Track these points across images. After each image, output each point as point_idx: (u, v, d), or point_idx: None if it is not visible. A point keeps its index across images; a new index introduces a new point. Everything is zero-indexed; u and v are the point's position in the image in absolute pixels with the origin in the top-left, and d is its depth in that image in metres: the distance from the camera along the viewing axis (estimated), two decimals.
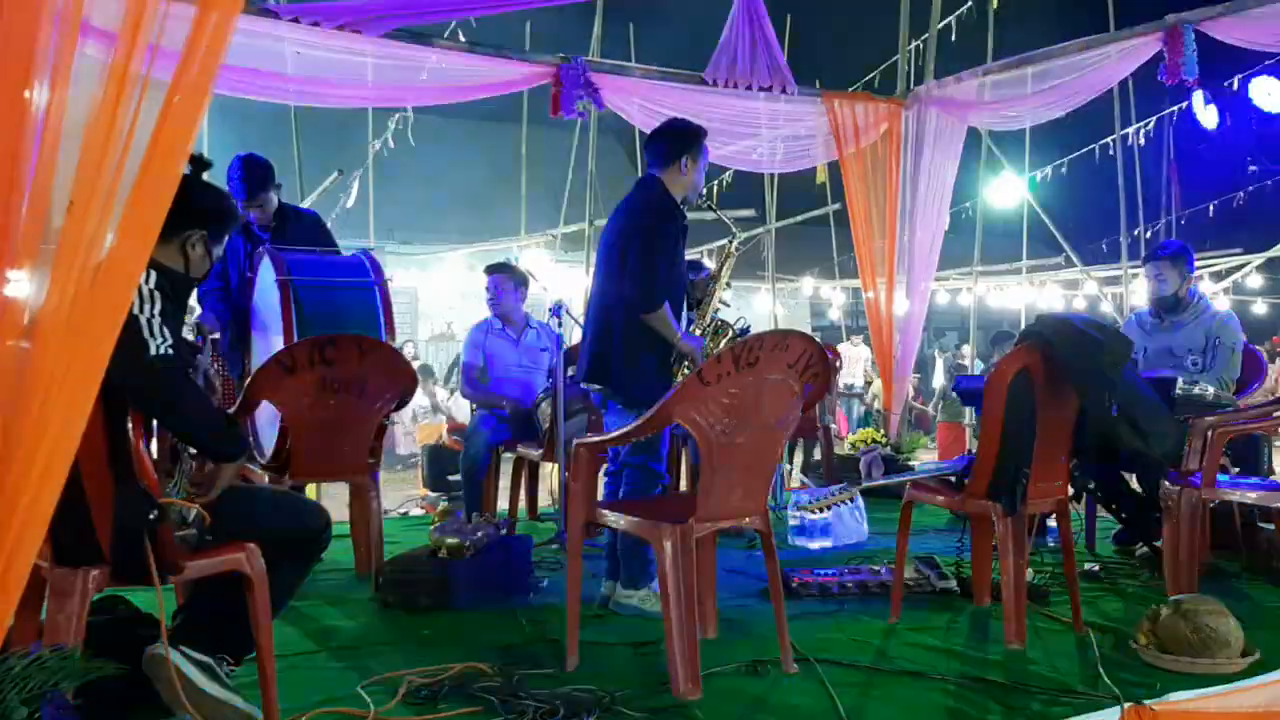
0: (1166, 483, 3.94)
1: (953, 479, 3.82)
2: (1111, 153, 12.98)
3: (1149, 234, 15.42)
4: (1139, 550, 4.89)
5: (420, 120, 10.12)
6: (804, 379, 3.25)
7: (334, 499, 5.13)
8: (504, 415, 5.69)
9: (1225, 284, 14.11)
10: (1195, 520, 3.77)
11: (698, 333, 4.25)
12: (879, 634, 3.76)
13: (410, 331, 16.24)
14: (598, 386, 4.11)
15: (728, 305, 4.50)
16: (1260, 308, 16.37)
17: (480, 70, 6.33)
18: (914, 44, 8.12)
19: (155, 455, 2.66)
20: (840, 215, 13.83)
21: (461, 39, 6.69)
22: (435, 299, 16.81)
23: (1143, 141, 13.15)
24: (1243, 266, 14.13)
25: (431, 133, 14.81)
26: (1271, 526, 4.29)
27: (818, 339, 3.50)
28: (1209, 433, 3.76)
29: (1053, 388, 3.58)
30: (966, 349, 14.74)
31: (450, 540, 4.21)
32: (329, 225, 5.29)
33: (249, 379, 4.33)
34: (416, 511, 7.18)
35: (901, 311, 7.58)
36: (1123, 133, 12.17)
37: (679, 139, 4.15)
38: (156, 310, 2.45)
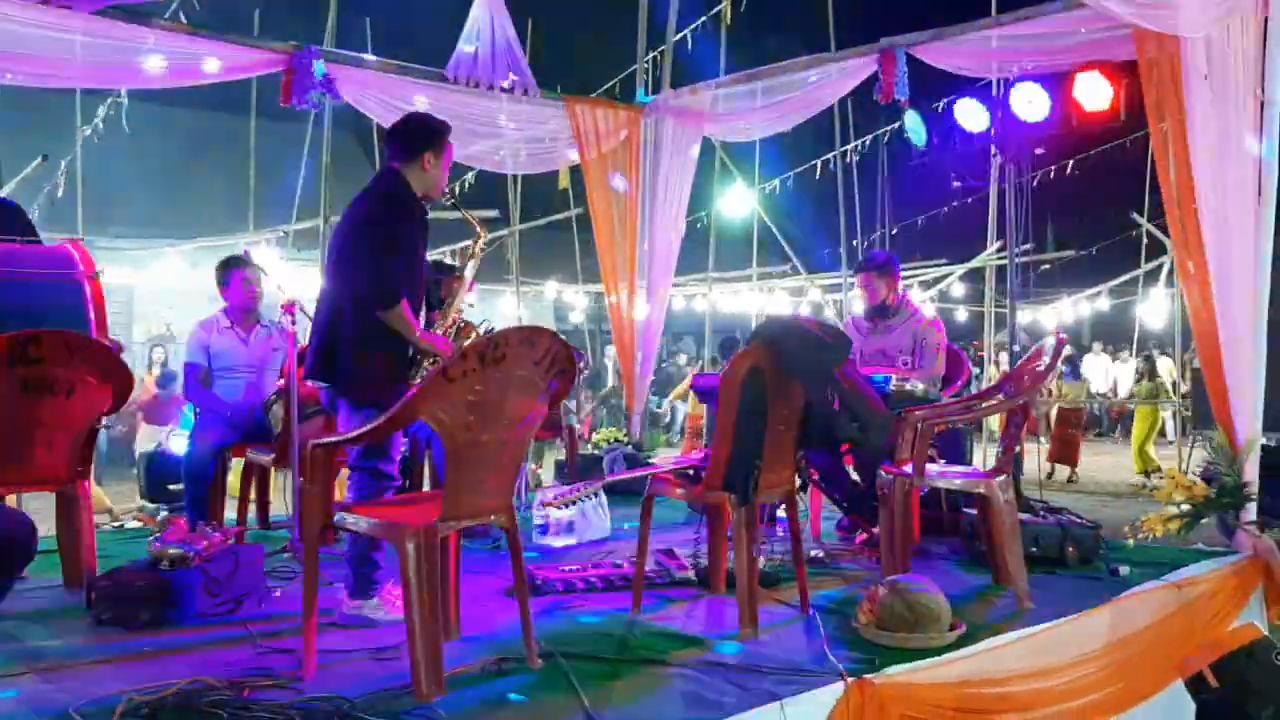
0: (882, 472, 4.23)
1: (691, 473, 3.95)
2: (832, 168, 13.92)
3: (865, 244, 16.59)
4: (859, 536, 5.23)
5: (139, 108, 9.48)
6: (549, 377, 3.27)
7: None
8: (229, 418, 5.39)
9: (932, 292, 15.35)
10: (907, 506, 4.07)
11: (439, 332, 4.18)
12: (621, 626, 3.83)
13: (125, 334, 15.11)
14: (324, 385, 3.97)
15: (472, 307, 4.46)
16: (962, 314, 17.92)
17: (204, 54, 5.98)
18: (651, 55, 8.37)
19: None
20: (583, 220, 14.07)
21: (183, 20, 6.30)
22: (153, 298, 15.73)
23: (859, 158, 14.19)
24: (947, 276, 15.40)
25: (150, 122, 13.91)
26: (974, 511, 4.69)
27: None
28: (919, 425, 4.07)
29: (781, 384, 3.76)
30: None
31: (172, 551, 3.94)
32: (32, 217, 4.84)
33: None
34: (134, 524, 6.68)
35: (642, 315, 7.77)
36: (842, 149, 13.05)
37: (421, 133, 4.06)
38: None
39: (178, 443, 7.32)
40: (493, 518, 3.31)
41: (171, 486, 6.88)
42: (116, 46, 5.66)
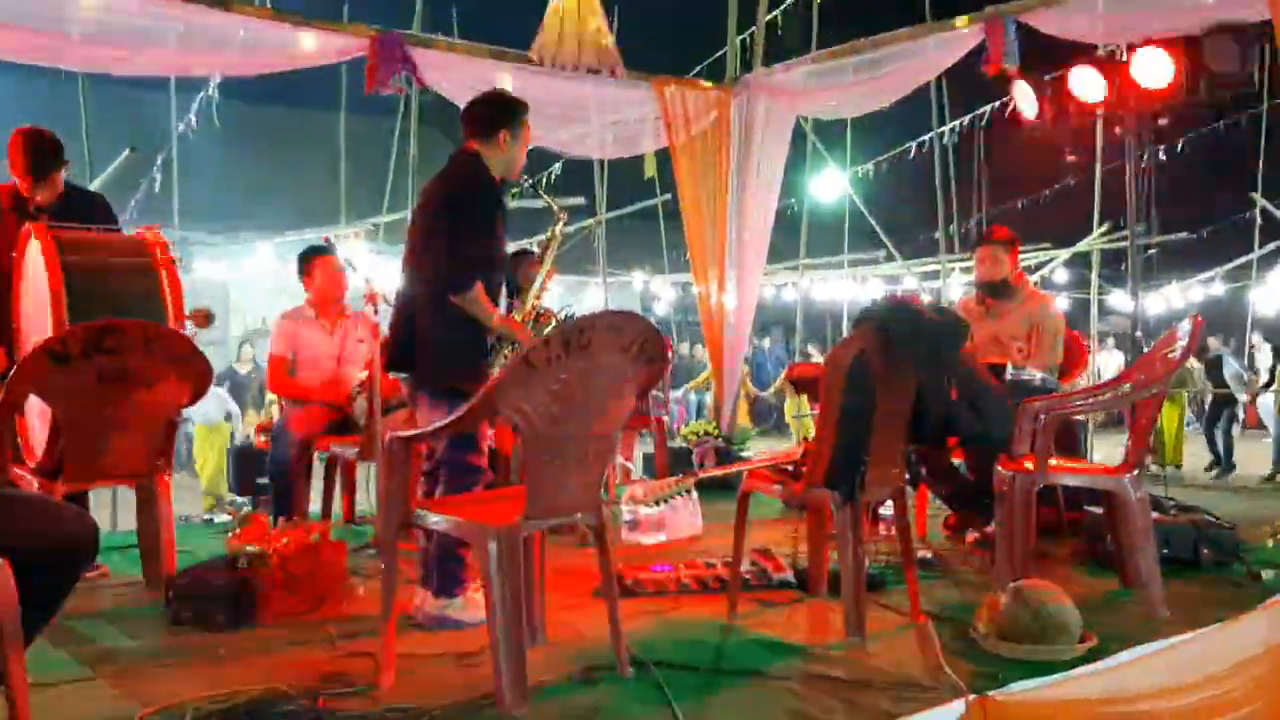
0: (999, 467, 3.91)
1: (790, 468, 3.69)
2: (926, 150, 13.44)
3: (961, 229, 16.03)
4: (970, 536, 4.89)
5: (230, 106, 9.51)
6: (638, 365, 3.03)
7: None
8: (314, 411, 5.27)
9: (1034, 278, 14.72)
10: (1029, 505, 3.74)
11: (518, 319, 3.97)
12: (717, 632, 3.58)
13: (221, 329, 15.31)
14: (404, 375, 3.79)
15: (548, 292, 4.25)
16: (1064, 302, 17.17)
17: (288, 40, 5.88)
18: (740, 37, 8.06)
19: None
20: (669, 208, 13.81)
21: (269, 5, 6.21)
22: (247, 293, 15.93)
23: (955, 140, 13.68)
24: (1049, 261, 14.78)
25: (241, 118, 14.05)
26: (1095, 509, 4.33)
27: None
28: (1040, 417, 3.74)
29: (890, 373, 3.48)
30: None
31: (251, 549, 3.81)
32: (128, 213, 4.76)
33: (14, 370, 3.82)
34: (223, 518, 6.64)
35: (732, 304, 7.50)
36: (940, 129, 12.58)
37: (498, 110, 3.86)
38: None
39: (264, 437, 7.27)
40: (579, 515, 3.09)
41: (260, 480, 6.82)
42: (203, 33, 5.59)
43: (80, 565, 2.51)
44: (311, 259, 5.55)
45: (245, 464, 7.15)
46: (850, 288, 15.11)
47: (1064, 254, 13.63)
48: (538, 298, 4.05)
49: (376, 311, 4.79)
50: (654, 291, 17.62)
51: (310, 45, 5.95)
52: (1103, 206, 12.33)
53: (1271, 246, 13.36)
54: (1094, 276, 12.92)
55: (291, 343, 5.42)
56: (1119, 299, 16.08)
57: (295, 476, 5.17)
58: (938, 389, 3.36)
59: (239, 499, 7.32)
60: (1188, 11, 5.45)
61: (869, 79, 6.73)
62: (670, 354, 7.57)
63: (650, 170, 7.89)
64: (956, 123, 13.25)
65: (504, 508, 2.97)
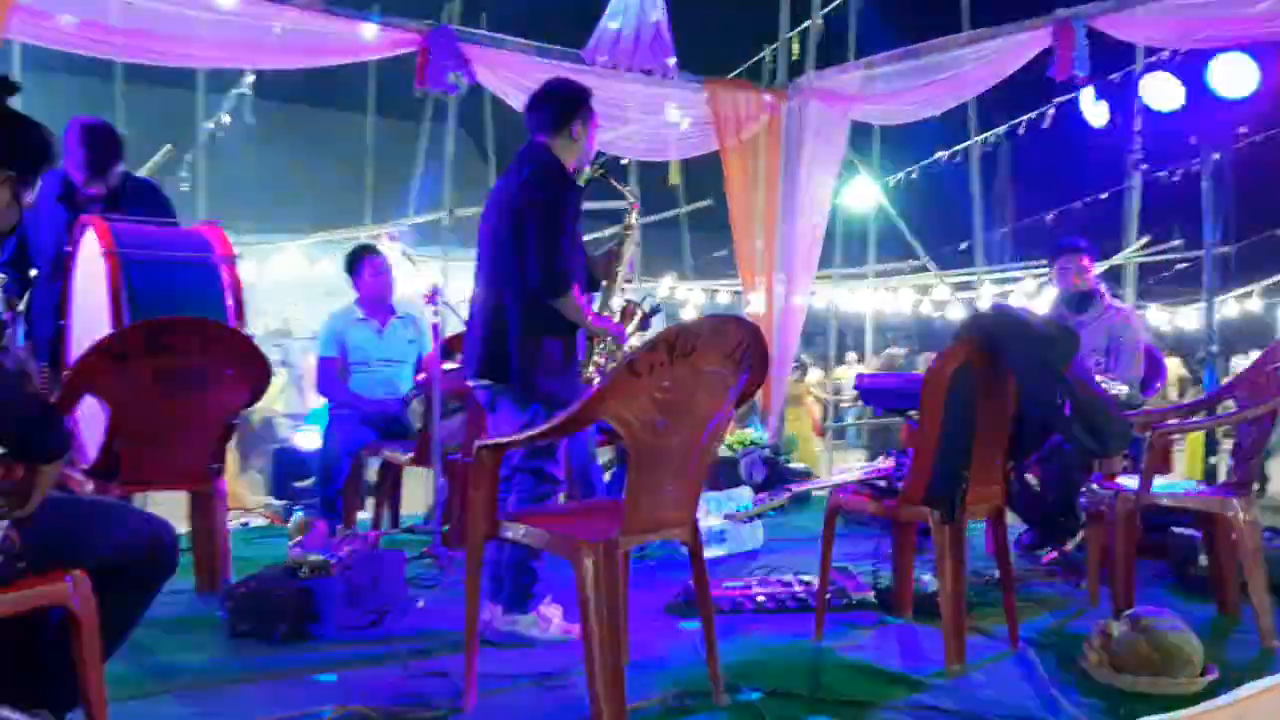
0: (1095, 487, 3.72)
1: (882, 484, 3.50)
2: (958, 160, 13.24)
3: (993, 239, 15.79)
4: (1046, 555, 4.70)
5: (259, 105, 9.38)
6: (740, 371, 2.86)
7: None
8: (365, 414, 5.11)
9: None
10: (1131, 526, 3.55)
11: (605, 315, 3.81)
12: (805, 655, 3.40)
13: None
14: (488, 383, 3.61)
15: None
16: None
17: (334, 32, 5.73)
18: (785, 37, 7.88)
19: None
20: (695, 216, 13.60)
21: None
22: (272, 293, 15.80)
23: (992, 148, 13.48)
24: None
25: (270, 118, 13.94)
26: (1188, 531, 4.13)
27: None
28: (1147, 434, 3.55)
29: (992, 385, 3.29)
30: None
31: (314, 557, 3.64)
32: None
33: (71, 368, 3.66)
34: (259, 521, 6.47)
35: (780, 311, 7.32)
36: (980, 138, 12.38)
37: (569, 101, 3.69)
38: None
39: (305, 439, 7.11)
40: (675, 532, 2.91)
41: (298, 484, 6.66)
42: (246, 25, 5.46)
43: (163, 577, 2.34)
44: (360, 258, 5.40)
45: (285, 467, 6.99)
46: (878, 297, 14.89)
47: (1101, 266, 13.36)
48: (621, 291, 3.89)
49: (437, 311, 4.66)
50: (680, 298, 17.44)
51: (356, 40, 5.81)
52: (1140, 217, 12.18)
53: None
54: (1131, 290, 12.71)
55: (341, 344, 5.25)
56: (1154, 314, 15.86)
57: (346, 484, 5.02)
58: (1048, 403, 3.17)
59: (275, 503, 7.15)
60: (1267, 17, 5.27)
61: (929, 83, 6.55)
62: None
63: (675, 177, 7.78)
64: (990, 133, 13.13)
65: (598, 522, 2.80)
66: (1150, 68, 5.60)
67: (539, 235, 3.44)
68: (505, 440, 3.00)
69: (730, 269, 11.00)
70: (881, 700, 2.96)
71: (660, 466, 2.75)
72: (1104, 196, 15.34)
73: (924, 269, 13.77)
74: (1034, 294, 14.29)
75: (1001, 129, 12.76)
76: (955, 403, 3.23)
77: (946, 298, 14.55)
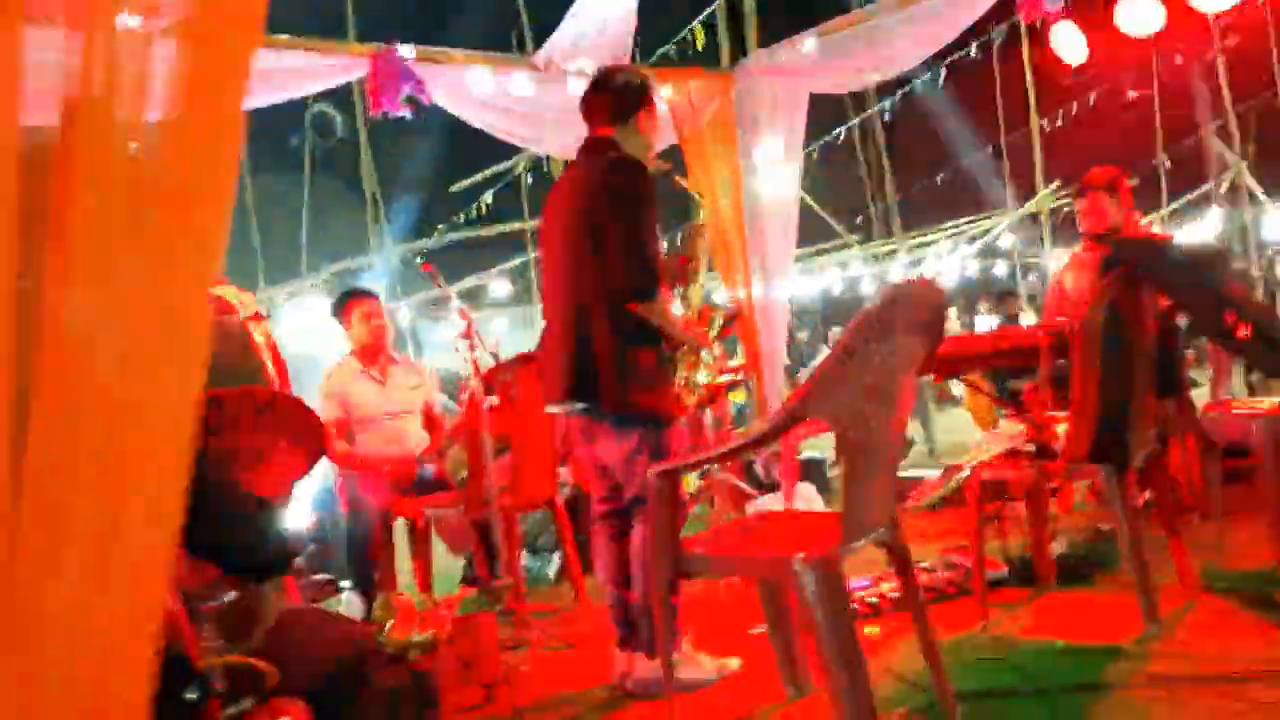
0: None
1: (1033, 448, 3.25)
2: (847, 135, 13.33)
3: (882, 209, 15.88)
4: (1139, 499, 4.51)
5: None
6: (925, 344, 2.55)
7: None
8: (386, 474, 4.62)
9: (978, 246, 14.71)
10: None
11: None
12: (987, 647, 3.10)
13: None
14: (581, 406, 3.22)
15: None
16: (1001, 268, 17.13)
17: (281, 66, 5.22)
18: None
19: None
20: (670, 213, 13.34)
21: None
22: None
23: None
24: (989, 230, 14.74)
25: None
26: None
27: None
28: None
29: (1136, 319, 3.08)
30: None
31: (419, 637, 3.20)
32: None
33: None
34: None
35: (759, 296, 7.05)
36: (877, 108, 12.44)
37: (632, 89, 3.35)
38: None
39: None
40: (881, 531, 2.59)
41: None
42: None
43: (369, 684, 1.92)
44: (346, 303, 4.92)
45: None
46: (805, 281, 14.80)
47: (1013, 215, 13.57)
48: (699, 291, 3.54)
49: (472, 347, 4.22)
50: None
51: (305, 73, 5.30)
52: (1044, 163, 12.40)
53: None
54: (1046, 238, 12.91)
55: (343, 404, 4.75)
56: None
57: (380, 548, 4.53)
58: (1217, 328, 2.97)
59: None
60: None
61: (890, 39, 6.36)
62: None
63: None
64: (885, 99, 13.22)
65: (800, 534, 2.47)
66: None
67: (624, 236, 3.08)
68: (681, 463, 2.65)
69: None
70: (1110, 679, 2.69)
71: (871, 462, 2.43)
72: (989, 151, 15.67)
73: (846, 247, 13.79)
74: (951, 251, 14.40)
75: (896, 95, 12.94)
76: (1110, 348, 3.00)
77: (860, 273, 14.50)
